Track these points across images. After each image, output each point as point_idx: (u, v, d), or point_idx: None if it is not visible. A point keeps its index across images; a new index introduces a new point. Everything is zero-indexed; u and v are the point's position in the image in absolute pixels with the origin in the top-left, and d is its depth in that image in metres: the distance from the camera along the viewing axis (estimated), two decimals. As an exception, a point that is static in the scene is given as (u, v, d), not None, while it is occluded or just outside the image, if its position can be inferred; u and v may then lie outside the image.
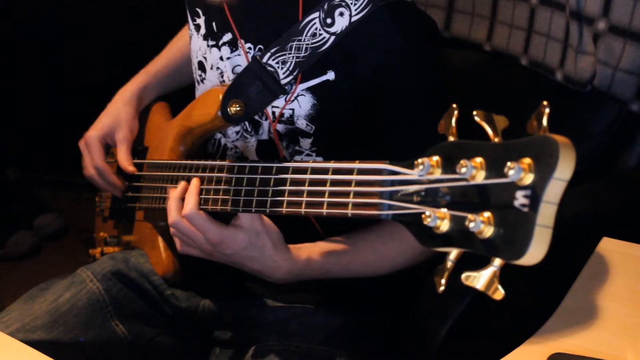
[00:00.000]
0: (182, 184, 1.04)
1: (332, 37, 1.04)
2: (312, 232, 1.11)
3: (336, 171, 0.83)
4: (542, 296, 1.01)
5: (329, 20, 1.04)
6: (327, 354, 1.11)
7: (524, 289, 0.88)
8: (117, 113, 1.32)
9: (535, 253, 0.58)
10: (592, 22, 1.22)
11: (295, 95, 1.08)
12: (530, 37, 1.35)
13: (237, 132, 1.18)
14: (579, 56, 1.25)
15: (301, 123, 1.10)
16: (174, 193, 1.03)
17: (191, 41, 1.24)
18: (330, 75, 1.06)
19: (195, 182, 1.02)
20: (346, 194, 0.81)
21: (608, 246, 1.05)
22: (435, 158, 0.67)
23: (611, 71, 1.22)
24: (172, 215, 1.01)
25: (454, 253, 0.66)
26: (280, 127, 1.11)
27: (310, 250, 1.05)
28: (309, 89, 1.08)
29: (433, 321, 1.12)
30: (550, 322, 0.92)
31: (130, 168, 1.26)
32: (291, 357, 1.08)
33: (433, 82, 1.09)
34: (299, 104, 1.09)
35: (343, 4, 1.04)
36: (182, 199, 1.02)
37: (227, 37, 1.14)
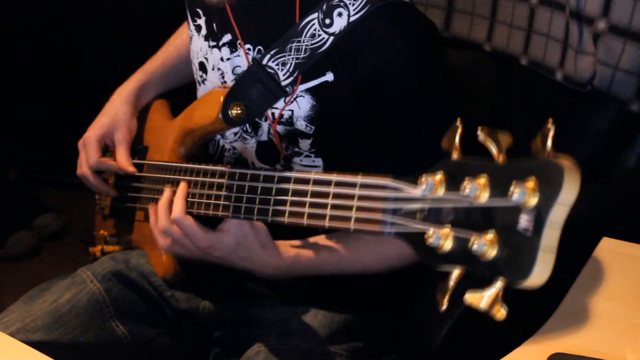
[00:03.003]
0: (167, 191, 1.05)
1: (331, 38, 1.04)
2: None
3: (339, 183, 0.83)
4: (542, 296, 1.01)
5: (327, 21, 1.04)
6: (327, 354, 1.11)
7: (524, 289, 0.88)
8: (115, 113, 1.31)
9: (538, 276, 0.58)
10: (592, 22, 1.22)
11: (294, 96, 1.08)
12: (530, 37, 1.35)
13: (236, 134, 1.17)
14: (579, 56, 1.25)
15: (300, 124, 1.10)
16: (161, 201, 1.05)
17: (192, 42, 1.23)
18: (330, 77, 1.06)
19: (182, 186, 1.04)
20: (349, 208, 0.81)
21: (608, 246, 1.05)
22: (439, 176, 0.67)
23: (611, 71, 1.22)
24: (162, 222, 1.03)
25: (456, 272, 0.66)
26: (279, 128, 1.11)
27: (300, 248, 1.07)
28: (308, 90, 1.08)
29: (433, 321, 1.11)
30: (550, 322, 0.92)
31: (130, 169, 1.26)
32: (291, 357, 1.08)
33: (433, 83, 1.09)
34: (298, 105, 1.09)
35: (341, 4, 1.04)
36: (171, 205, 1.04)
37: (227, 37, 1.14)
